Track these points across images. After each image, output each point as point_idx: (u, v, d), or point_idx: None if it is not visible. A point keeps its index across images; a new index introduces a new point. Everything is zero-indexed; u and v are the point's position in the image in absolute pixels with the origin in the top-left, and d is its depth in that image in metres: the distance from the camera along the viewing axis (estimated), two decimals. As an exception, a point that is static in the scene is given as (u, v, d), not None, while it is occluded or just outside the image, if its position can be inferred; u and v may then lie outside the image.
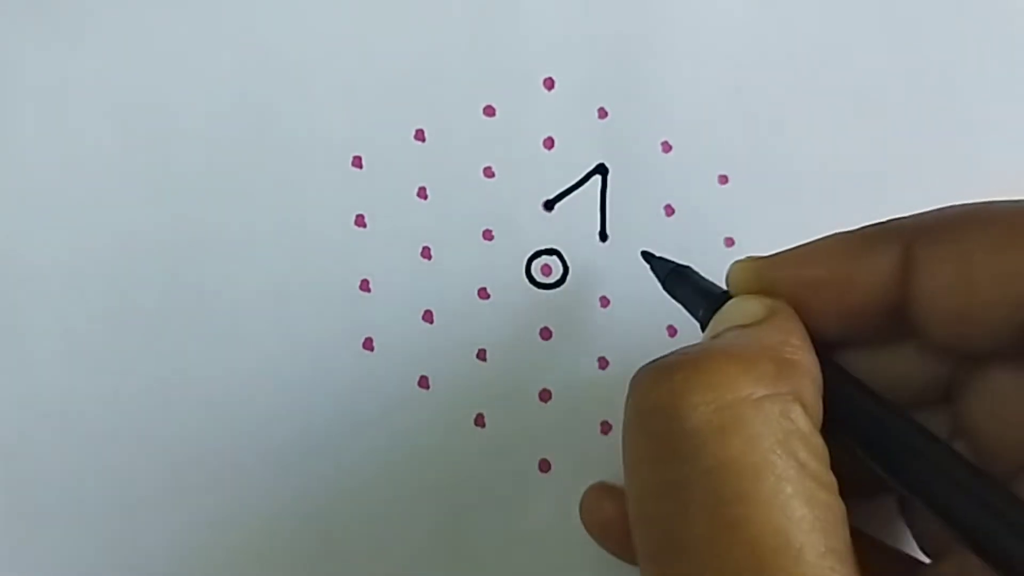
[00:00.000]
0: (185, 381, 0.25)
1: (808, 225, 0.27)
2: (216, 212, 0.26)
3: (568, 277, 0.26)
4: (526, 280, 0.26)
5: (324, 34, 0.27)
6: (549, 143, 0.27)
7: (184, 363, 0.25)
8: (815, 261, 0.19)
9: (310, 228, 0.26)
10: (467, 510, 0.25)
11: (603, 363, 0.26)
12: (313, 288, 0.26)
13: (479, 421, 0.26)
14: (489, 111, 0.27)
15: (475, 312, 0.26)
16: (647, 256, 0.25)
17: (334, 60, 0.27)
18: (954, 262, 0.17)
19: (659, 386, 0.16)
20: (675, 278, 0.23)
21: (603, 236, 0.27)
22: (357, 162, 0.26)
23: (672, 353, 0.17)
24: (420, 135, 0.27)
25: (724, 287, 0.21)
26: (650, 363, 0.17)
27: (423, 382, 0.26)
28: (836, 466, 0.17)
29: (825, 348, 0.18)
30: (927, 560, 0.21)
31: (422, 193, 0.26)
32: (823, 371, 0.18)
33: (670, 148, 0.27)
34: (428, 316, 0.26)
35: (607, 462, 0.26)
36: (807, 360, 0.17)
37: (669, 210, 0.27)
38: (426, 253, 0.26)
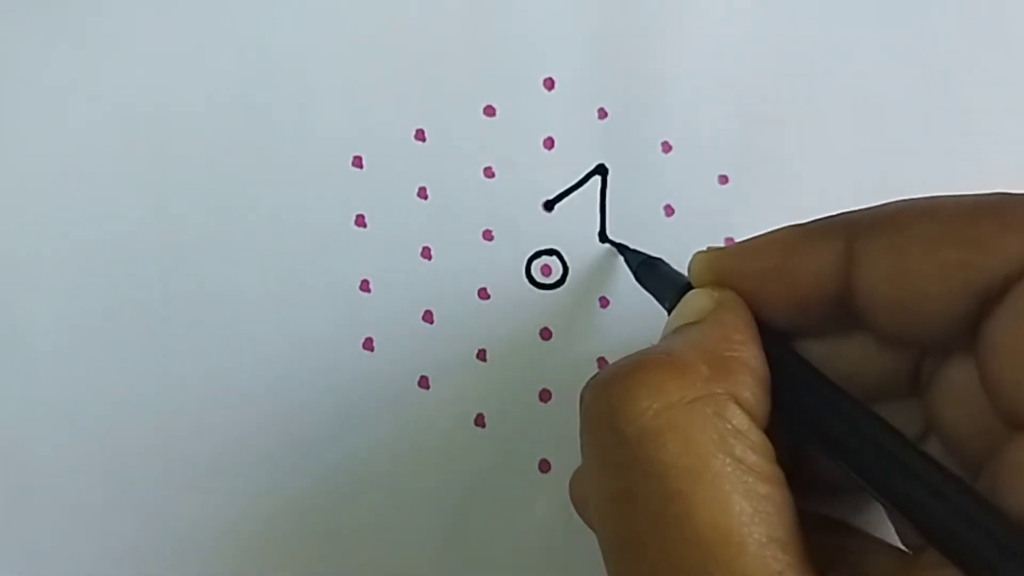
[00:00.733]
0: (185, 381, 0.25)
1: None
2: (216, 212, 0.26)
3: (568, 277, 0.26)
4: (526, 280, 0.26)
5: (324, 34, 0.27)
6: (549, 143, 0.27)
7: (184, 363, 0.25)
8: (764, 253, 0.20)
9: (310, 228, 0.26)
10: (467, 510, 0.25)
11: (603, 363, 0.26)
12: (313, 288, 0.26)
13: (479, 421, 0.26)
14: (489, 111, 0.27)
15: (475, 312, 0.26)
16: (619, 247, 0.25)
17: (334, 60, 0.27)
18: (893, 254, 0.18)
19: (599, 399, 0.17)
20: (646, 269, 0.24)
21: (603, 236, 0.27)
22: (357, 162, 0.26)
23: (616, 363, 0.18)
24: (420, 135, 0.27)
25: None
26: (596, 374, 0.18)
27: (423, 382, 0.26)
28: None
29: (783, 338, 0.19)
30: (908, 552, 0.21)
31: (422, 193, 0.26)
32: (782, 362, 0.18)
33: (670, 148, 0.27)
34: (428, 316, 0.26)
35: (607, 462, 0.26)
36: (747, 355, 0.18)
37: (669, 210, 0.27)
38: (426, 253, 0.26)
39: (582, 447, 0.18)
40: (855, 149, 0.28)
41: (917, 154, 0.28)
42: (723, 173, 0.27)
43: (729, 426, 0.17)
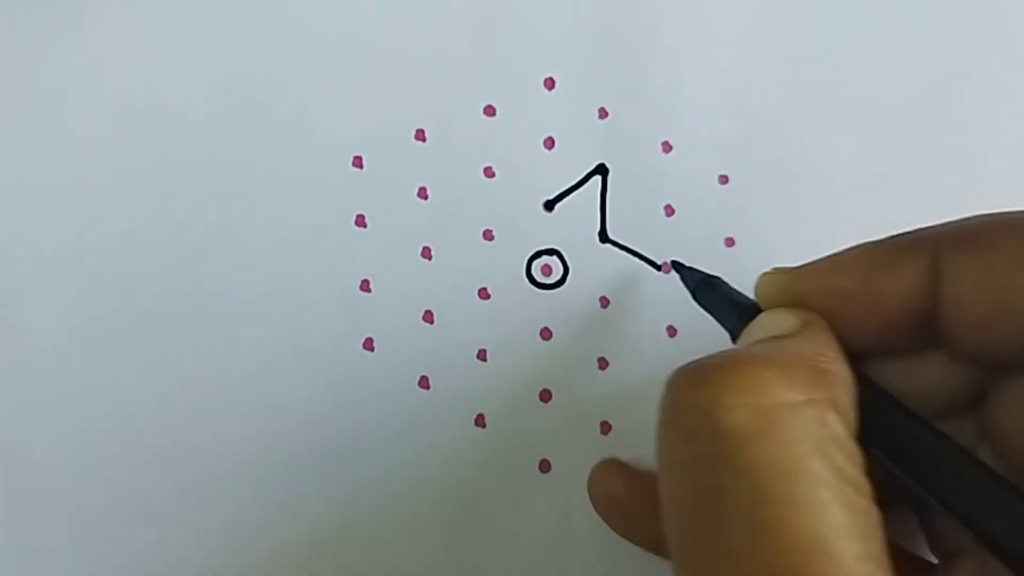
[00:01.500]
0: (185, 380, 0.25)
1: (808, 225, 0.27)
2: (216, 211, 0.26)
3: (568, 277, 0.26)
4: (526, 280, 0.26)
5: (324, 34, 0.27)
6: (549, 143, 0.27)
7: (184, 363, 0.25)
8: (843, 273, 0.19)
9: (310, 228, 0.26)
10: (467, 510, 0.25)
11: (603, 363, 0.26)
12: (313, 288, 0.26)
13: (479, 421, 0.26)
14: (489, 111, 0.27)
15: (475, 312, 0.26)
16: (676, 265, 0.25)
17: (334, 60, 0.26)
18: (981, 271, 0.17)
19: (696, 387, 0.16)
20: (705, 288, 0.23)
21: (603, 236, 0.27)
22: (357, 162, 0.26)
23: (710, 356, 0.17)
24: (420, 135, 0.27)
25: (752, 296, 0.21)
26: (687, 364, 0.17)
27: (423, 382, 0.26)
28: None
29: (854, 360, 0.18)
30: (935, 561, 0.21)
31: (422, 193, 0.26)
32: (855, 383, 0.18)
33: (670, 148, 0.27)
34: (428, 316, 0.26)
35: (607, 462, 0.26)
36: (841, 370, 0.17)
37: (669, 210, 0.27)
38: (426, 253, 0.26)
39: (661, 437, 0.17)
40: (855, 149, 0.28)
41: (917, 154, 0.28)
42: (723, 173, 0.27)
43: (831, 434, 0.16)
